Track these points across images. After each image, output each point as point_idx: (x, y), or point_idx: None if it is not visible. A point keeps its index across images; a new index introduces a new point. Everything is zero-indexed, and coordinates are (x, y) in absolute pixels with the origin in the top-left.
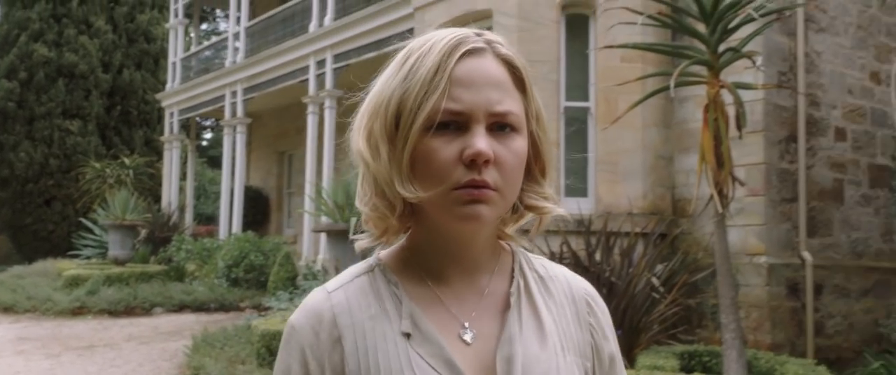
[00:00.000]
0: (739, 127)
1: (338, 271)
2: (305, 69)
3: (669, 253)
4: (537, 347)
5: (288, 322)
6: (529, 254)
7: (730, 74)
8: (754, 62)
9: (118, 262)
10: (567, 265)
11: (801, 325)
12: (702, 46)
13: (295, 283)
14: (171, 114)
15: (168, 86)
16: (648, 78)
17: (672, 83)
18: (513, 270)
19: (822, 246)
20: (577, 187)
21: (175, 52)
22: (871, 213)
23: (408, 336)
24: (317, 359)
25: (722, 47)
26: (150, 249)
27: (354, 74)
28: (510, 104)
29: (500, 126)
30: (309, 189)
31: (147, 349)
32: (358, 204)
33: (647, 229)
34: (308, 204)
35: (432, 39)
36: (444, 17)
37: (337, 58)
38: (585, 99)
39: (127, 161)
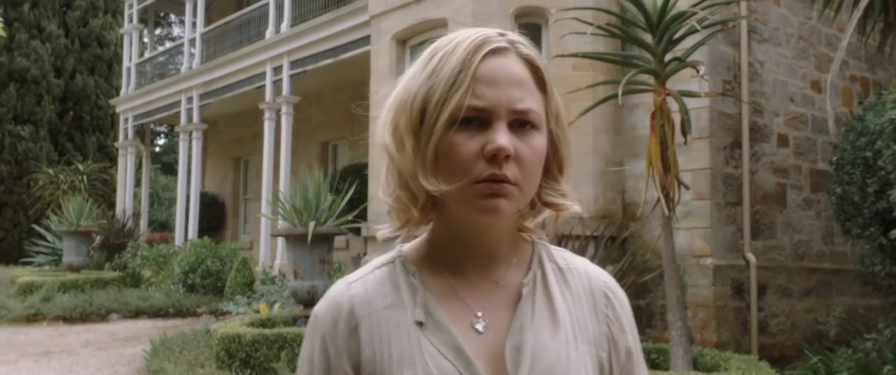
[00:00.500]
0: (685, 133)
1: (296, 275)
2: (262, 75)
3: (619, 254)
4: (548, 336)
5: (312, 311)
6: (552, 247)
7: (676, 83)
8: (698, 71)
9: (73, 269)
10: None
11: (746, 324)
12: (649, 56)
13: (252, 288)
14: (126, 120)
15: (122, 91)
16: (599, 86)
17: (620, 91)
18: (531, 263)
19: (766, 248)
20: None
21: (130, 58)
22: (812, 216)
23: (420, 324)
24: (335, 347)
25: (668, 57)
26: (105, 256)
27: (311, 81)
28: (531, 102)
29: (520, 123)
30: (266, 194)
31: (105, 354)
32: (381, 194)
33: (598, 232)
34: (266, 210)
35: (457, 38)
36: (400, 25)
37: (294, 64)
38: None
39: (81, 167)
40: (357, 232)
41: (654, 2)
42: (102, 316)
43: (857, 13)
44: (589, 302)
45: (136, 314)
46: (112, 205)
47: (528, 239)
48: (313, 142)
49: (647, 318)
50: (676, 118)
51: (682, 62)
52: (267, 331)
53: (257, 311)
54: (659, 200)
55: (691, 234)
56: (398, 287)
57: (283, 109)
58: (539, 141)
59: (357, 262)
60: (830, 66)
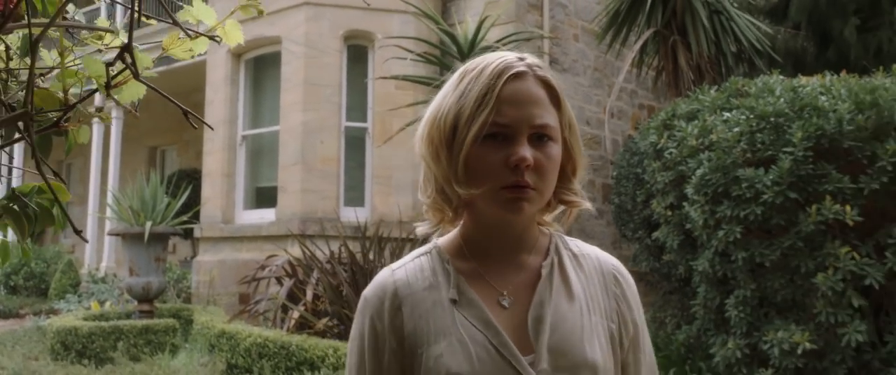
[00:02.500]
0: None
1: (132, 272)
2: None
3: None
4: (565, 308)
5: (361, 294)
6: (566, 237)
7: None
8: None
9: None
10: (344, 265)
11: None
12: None
13: (77, 289)
14: None
15: None
16: (419, 104)
17: None
18: (549, 250)
19: None
20: (355, 198)
21: None
22: (603, 225)
23: (454, 301)
24: (382, 323)
25: None
26: None
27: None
28: (548, 118)
29: (538, 136)
30: (94, 197)
31: None
32: (420, 196)
33: (414, 234)
34: (95, 212)
35: (482, 64)
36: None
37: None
38: (364, 120)
39: None
40: (190, 233)
41: (466, 35)
42: None
43: (632, 53)
44: (600, 282)
45: None
46: None
47: (545, 232)
48: (141, 147)
49: None
50: None
51: None
52: (104, 324)
53: (88, 309)
54: None
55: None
56: (435, 272)
57: (113, 114)
58: (555, 150)
59: (188, 263)
60: (621, 95)
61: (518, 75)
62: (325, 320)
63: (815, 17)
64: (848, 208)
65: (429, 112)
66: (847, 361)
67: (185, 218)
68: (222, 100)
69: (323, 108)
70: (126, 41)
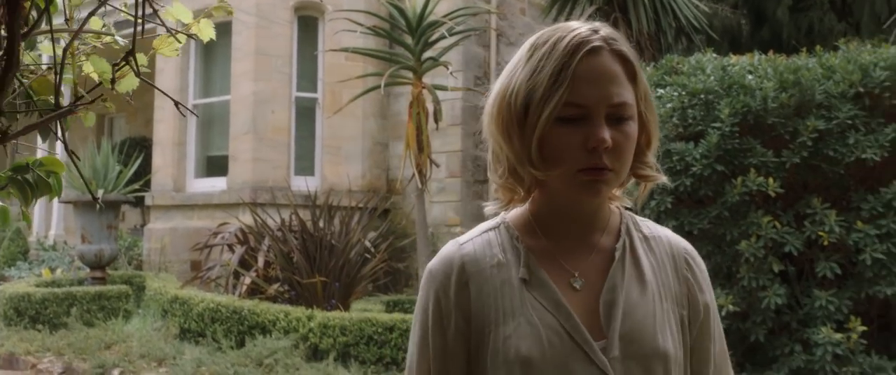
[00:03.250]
0: (436, 120)
1: (84, 240)
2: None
3: (382, 223)
4: (637, 295)
5: (426, 267)
6: (637, 217)
7: (435, 78)
8: (448, 69)
9: None
10: (294, 232)
11: None
12: (409, 54)
13: (26, 257)
14: None
15: None
16: (369, 76)
17: (382, 83)
18: (620, 230)
19: None
20: (305, 167)
21: None
22: None
23: (525, 281)
24: (448, 299)
25: (425, 56)
26: None
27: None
28: (625, 95)
29: (616, 116)
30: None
31: None
32: (491, 176)
33: (363, 203)
34: None
35: (554, 37)
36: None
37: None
38: (314, 90)
39: None
40: (141, 201)
41: (415, 9)
42: None
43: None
44: (671, 265)
45: None
46: None
47: (616, 210)
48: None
49: (406, 279)
50: (431, 107)
51: (435, 61)
52: (57, 290)
53: (39, 276)
54: (413, 176)
55: (444, 207)
56: (504, 248)
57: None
58: (632, 129)
59: (138, 231)
60: None
61: (593, 51)
62: (276, 285)
63: None
64: (770, 180)
65: (496, 88)
66: (768, 322)
67: (136, 186)
68: (173, 68)
69: (273, 79)
70: (129, 46)
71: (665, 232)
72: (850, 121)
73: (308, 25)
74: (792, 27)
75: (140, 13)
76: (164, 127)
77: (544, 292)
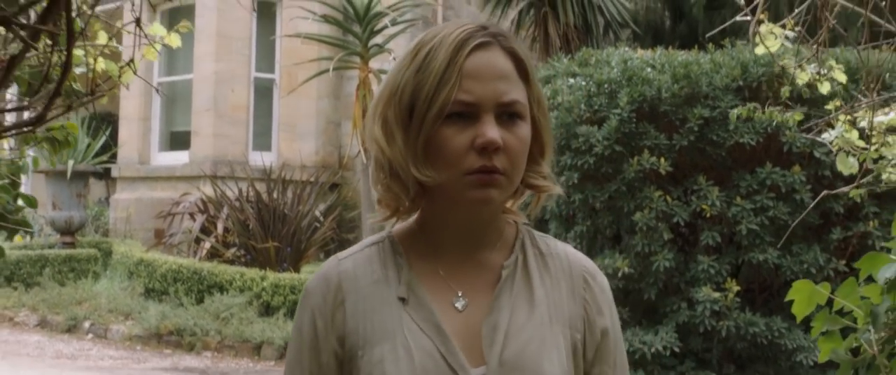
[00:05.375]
0: None
1: (55, 207)
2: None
3: (332, 196)
4: (524, 317)
5: (305, 286)
6: (536, 233)
7: (384, 62)
8: (390, 55)
9: None
10: (251, 203)
11: None
12: (357, 41)
13: None
14: None
15: None
16: (322, 60)
17: (331, 67)
18: (514, 246)
19: None
20: (262, 143)
21: None
22: None
23: (403, 300)
24: (323, 320)
25: (372, 43)
26: None
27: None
28: (516, 94)
29: (507, 115)
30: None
31: None
32: (372, 185)
33: (315, 177)
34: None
35: (442, 33)
36: None
37: None
38: (272, 72)
39: None
40: (106, 173)
41: (363, 0)
42: None
43: (507, 20)
44: (568, 285)
45: None
46: None
47: (512, 224)
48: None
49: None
50: (376, 89)
51: (380, 48)
52: (30, 252)
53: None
54: (359, 152)
55: None
56: (385, 265)
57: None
58: (524, 130)
59: (103, 203)
60: None
61: (482, 46)
62: (233, 250)
63: None
64: (662, 160)
65: (382, 89)
66: (658, 283)
67: (104, 158)
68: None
69: (234, 60)
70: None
71: (565, 250)
72: (731, 110)
73: (266, 10)
74: (707, 23)
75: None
76: (130, 103)
77: (423, 313)
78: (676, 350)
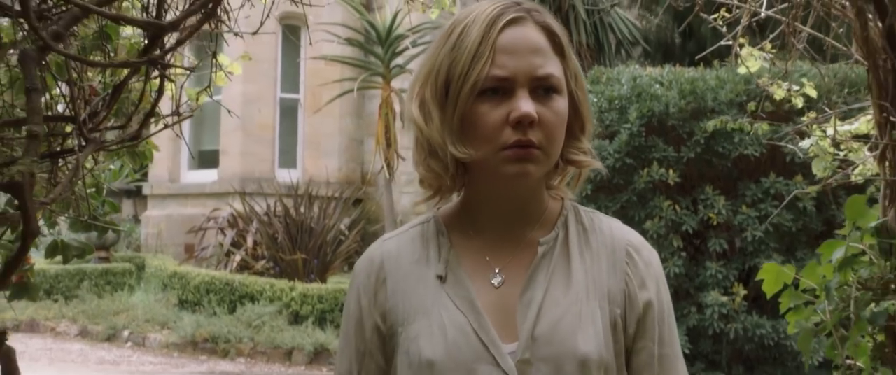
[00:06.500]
0: (403, 120)
1: None
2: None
3: (356, 210)
4: (560, 293)
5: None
6: (581, 208)
7: (404, 81)
8: (412, 75)
9: None
10: (278, 217)
11: None
12: (379, 62)
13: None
14: None
15: None
16: (345, 80)
17: (355, 87)
18: (556, 223)
19: None
20: (288, 160)
21: None
22: None
23: (441, 278)
24: (367, 296)
25: (394, 63)
26: None
27: None
28: (551, 67)
29: (543, 89)
30: None
31: None
32: (415, 166)
33: (339, 193)
34: None
35: (476, 11)
36: None
37: None
38: (297, 92)
39: None
40: (137, 191)
41: (384, 23)
42: None
43: None
44: (609, 260)
45: None
46: None
47: (557, 198)
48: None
49: None
50: (398, 108)
51: (401, 68)
52: (68, 267)
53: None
54: (382, 168)
55: (414, 196)
56: (427, 244)
57: None
58: (561, 104)
59: (131, 221)
60: None
61: (515, 21)
62: (262, 262)
63: (679, 14)
64: (671, 171)
65: (418, 70)
66: (669, 288)
67: (136, 176)
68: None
69: (260, 81)
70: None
71: (611, 224)
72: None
73: (292, 34)
74: (715, 41)
75: (211, 64)
76: (160, 124)
77: (459, 290)
78: (687, 352)
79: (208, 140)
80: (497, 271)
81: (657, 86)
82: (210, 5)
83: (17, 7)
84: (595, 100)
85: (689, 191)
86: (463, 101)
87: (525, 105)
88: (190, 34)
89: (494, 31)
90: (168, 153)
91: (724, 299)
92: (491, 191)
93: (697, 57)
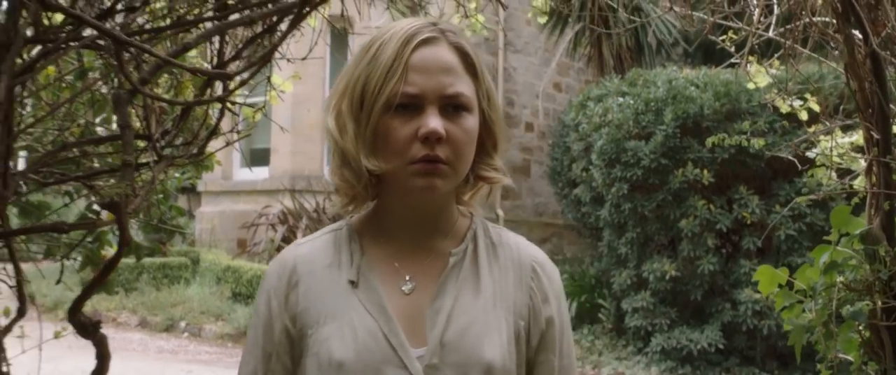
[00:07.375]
0: None
1: None
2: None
3: None
4: (468, 302)
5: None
6: (490, 224)
7: None
8: None
9: None
10: (326, 214)
11: None
12: None
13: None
14: None
15: None
16: None
17: None
18: (465, 236)
19: (513, 206)
20: None
21: None
22: (548, 184)
23: (353, 283)
24: (277, 299)
25: None
26: None
27: None
28: (461, 86)
29: (452, 107)
30: None
31: None
32: (330, 175)
33: None
34: None
35: (393, 29)
36: None
37: None
38: None
39: None
40: (192, 188)
41: None
42: None
43: (564, 40)
44: (516, 274)
45: None
46: None
47: (466, 214)
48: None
49: None
50: None
51: None
52: (128, 261)
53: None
54: None
55: None
56: (340, 250)
57: None
58: (470, 122)
59: (189, 215)
60: (568, 72)
61: (428, 41)
62: None
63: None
64: (705, 172)
65: (337, 82)
66: (704, 285)
67: (191, 173)
68: None
69: (309, 82)
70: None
71: (517, 240)
72: (769, 125)
73: (340, 35)
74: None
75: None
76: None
77: (370, 295)
78: (721, 347)
79: (260, 139)
80: (407, 278)
81: (692, 88)
82: (266, 54)
83: (113, 59)
84: (632, 102)
85: (723, 191)
86: (376, 116)
87: (433, 122)
88: (247, 79)
89: (408, 50)
90: (221, 152)
91: (757, 296)
92: (401, 202)
93: (725, 64)
